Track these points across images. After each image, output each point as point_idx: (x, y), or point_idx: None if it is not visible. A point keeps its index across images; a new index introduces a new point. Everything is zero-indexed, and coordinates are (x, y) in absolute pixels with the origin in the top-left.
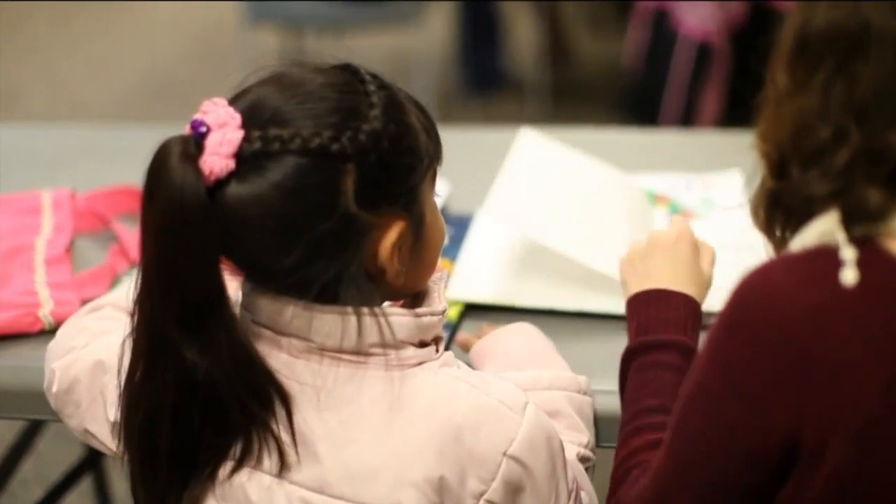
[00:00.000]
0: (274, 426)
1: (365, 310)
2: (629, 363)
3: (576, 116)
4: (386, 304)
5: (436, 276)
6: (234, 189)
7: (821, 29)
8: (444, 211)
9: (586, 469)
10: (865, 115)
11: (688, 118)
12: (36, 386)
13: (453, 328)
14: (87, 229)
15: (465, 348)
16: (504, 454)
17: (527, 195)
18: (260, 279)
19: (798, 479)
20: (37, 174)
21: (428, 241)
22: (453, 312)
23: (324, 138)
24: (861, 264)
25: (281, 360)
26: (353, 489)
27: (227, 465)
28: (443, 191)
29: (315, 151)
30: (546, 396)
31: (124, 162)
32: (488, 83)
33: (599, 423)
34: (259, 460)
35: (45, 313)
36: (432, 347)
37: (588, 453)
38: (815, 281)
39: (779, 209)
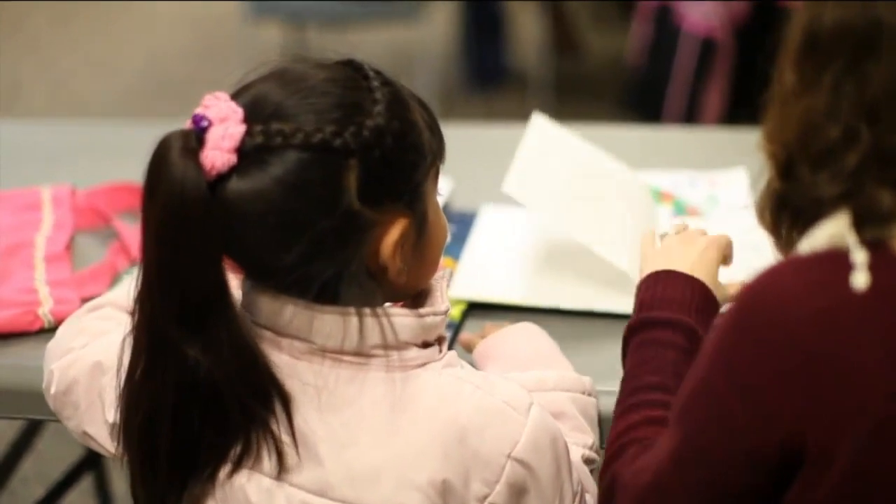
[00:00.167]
0: (274, 427)
1: (367, 310)
2: (630, 339)
3: (579, 112)
4: (387, 304)
5: (438, 274)
6: (236, 184)
7: (830, 27)
8: (446, 208)
9: (591, 471)
10: (876, 115)
11: (691, 114)
12: (35, 385)
13: (456, 327)
14: (87, 226)
15: (469, 348)
16: (508, 456)
17: (541, 177)
18: (260, 277)
19: (804, 483)
20: (37, 170)
21: (430, 240)
22: (456, 311)
23: (326, 133)
24: (872, 267)
25: (282, 361)
26: (355, 492)
27: (227, 466)
28: (445, 188)
29: (317, 146)
30: (551, 397)
31: (125, 158)
32: (491, 79)
33: (604, 424)
34: (258, 461)
35: (45, 312)
36: (435, 348)
37: (593, 455)
38: (824, 284)
39: (786, 210)
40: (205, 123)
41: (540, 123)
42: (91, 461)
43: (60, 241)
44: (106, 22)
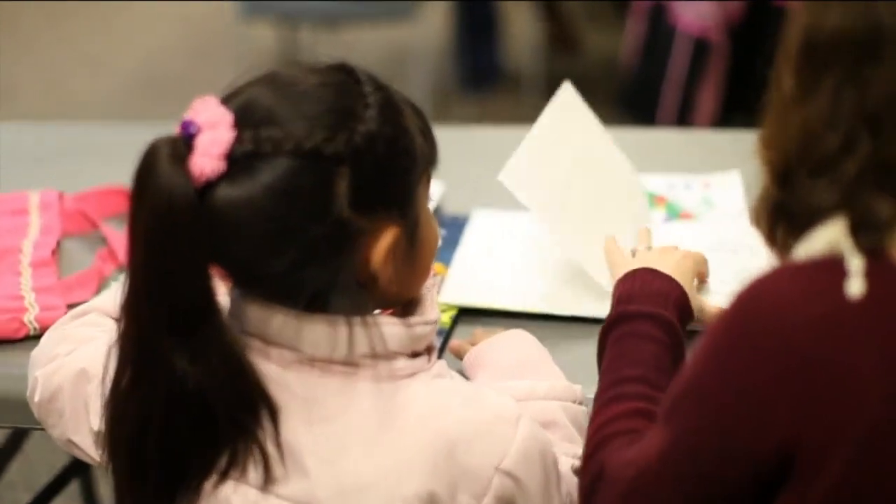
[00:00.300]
0: (261, 438)
1: (356, 319)
2: (609, 332)
3: None
4: (376, 312)
5: (428, 283)
6: (225, 191)
7: (830, 32)
8: (437, 212)
9: None
10: (878, 122)
11: (685, 114)
12: (20, 393)
13: (447, 333)
14: (74, 231)
15: (459, 355)
16: (496, 469)
17: (543, 166)
18: (249, 285)
19: (795, 489)
20: (26, 173)
21: (422, 247)
22: (446, 317)
23: (317, 140)
24: (868, 274)
25: (271, 370)
26: None
27: (213, 477)
28: (436, 191)
29: (308, 153)
30: (541, 406)
31: (116, 160)
32: (484, 79)
33: None
34: (244, 472)
35: (31, 319)
36: (424, 357)
37: None
38: (820, 291)
39: (782, 216)
40: (193, 129)
41: (567, 96)
42: (78, 467)
43: (47, 246)
44: (100, 21)
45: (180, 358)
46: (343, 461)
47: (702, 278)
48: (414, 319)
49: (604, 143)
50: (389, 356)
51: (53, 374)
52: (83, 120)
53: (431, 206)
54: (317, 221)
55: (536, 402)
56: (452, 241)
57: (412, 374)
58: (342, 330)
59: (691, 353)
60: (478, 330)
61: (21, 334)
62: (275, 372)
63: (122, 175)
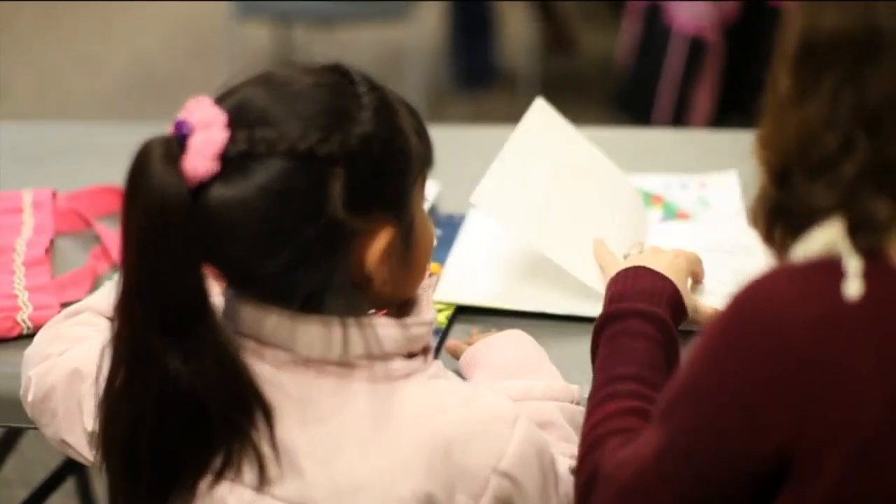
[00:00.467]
0: (256, 438)
1: (350, 320)
2: (602, 331)
3: (568, 113)
4: (371, 312)
5: (424, 283)
6: (218, 191)
7: (828, 32)
8: (432, 211)
9: None
10: (877, 123)
11: (680, 114)
12: (14, 393)
13: (443, 332)
14: (68, 229)
15: (455, 355)
16: (493, 469)
17: (521, 184)
18: (243, 285)
19: (794, 490)
20: (20, 172)
21: (417, 248)
22: (443, 316)
23: (312, 140)
24: (867, 275)
25: (265, 371)
26: None
27: (208, 478)
28: (431, 191)
29: (302, 154)
30: (538, 406)
31: (112, 160)
32: (479, 79)
33: None
34: (239, 473)
35: (24, 317)
36: (421, 358)
37: None
38: (817, 292)
39: (780, 217)
40: (186, 129)
41: (540, 110)
42: (74, 465)
43: (41, 245)
44: (94, 20)
45: (174, 358)
46: (338, 462)
47: (696, 278)
48: (410, 320)
49: (585, 152)
50: (386, 357)
51: (47, 373)
52: (79, 119)
53: (427, 205)
54: (311, 222)
55: (533, 402)
56: (448, 241)
57: (408, 375)
58: (336, 331)
59: (687, 353)
60: (475, 331)
61: (14, 333)
62: (269, 373)
63: (119, 175)
